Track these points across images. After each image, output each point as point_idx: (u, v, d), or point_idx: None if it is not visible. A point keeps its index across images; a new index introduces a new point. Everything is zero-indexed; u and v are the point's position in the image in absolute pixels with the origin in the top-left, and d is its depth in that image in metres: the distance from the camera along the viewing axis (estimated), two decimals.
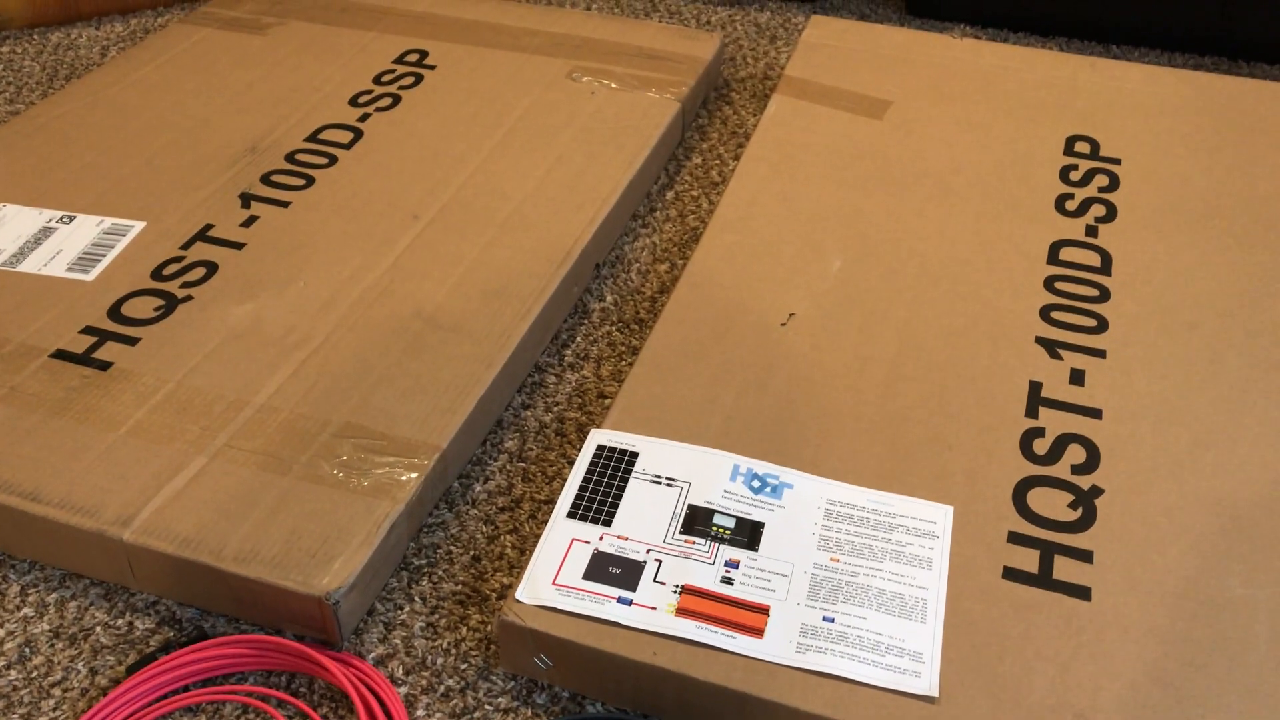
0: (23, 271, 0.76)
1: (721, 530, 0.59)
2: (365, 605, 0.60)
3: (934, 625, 0.55)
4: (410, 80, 0.97)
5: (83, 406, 0.66)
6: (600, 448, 0.64)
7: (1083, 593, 0.56)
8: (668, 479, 0.62)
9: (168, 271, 0.76)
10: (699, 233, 0.87)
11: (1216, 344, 0.71)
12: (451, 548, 0.64)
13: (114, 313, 0.73)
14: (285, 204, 0.83)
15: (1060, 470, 0.63)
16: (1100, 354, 0.70)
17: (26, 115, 0.92)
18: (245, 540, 0.59)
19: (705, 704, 0.54)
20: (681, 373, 0.69)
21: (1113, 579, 0.57)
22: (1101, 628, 0.55)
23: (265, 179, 0.85)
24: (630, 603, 0.56)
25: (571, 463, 0.69)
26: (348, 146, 0.89)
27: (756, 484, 0.62)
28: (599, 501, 0.61)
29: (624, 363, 0.76)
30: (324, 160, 0.87)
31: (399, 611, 0.61)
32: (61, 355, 0.70)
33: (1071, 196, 0.84)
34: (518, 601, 0.56)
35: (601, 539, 0.59)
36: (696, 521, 0.60)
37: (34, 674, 0.58)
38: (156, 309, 0.73)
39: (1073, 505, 0.61)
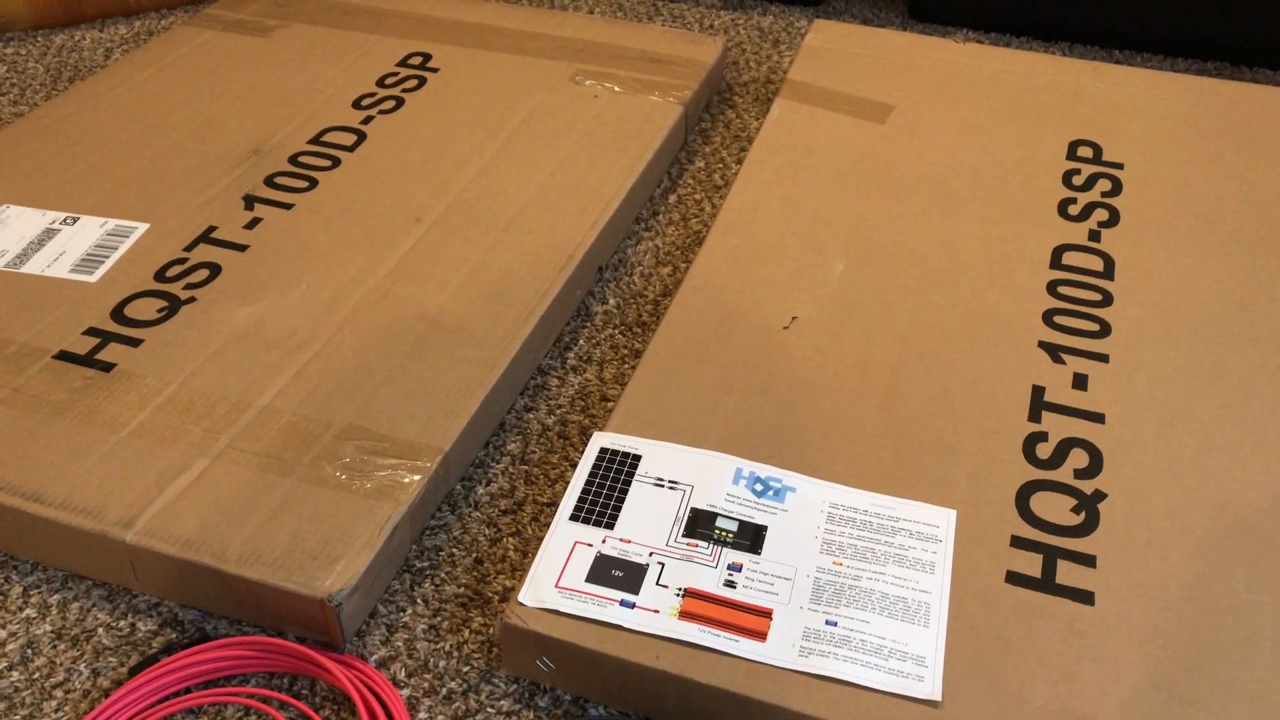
0: (26, 273, 0.76)
1: (724, 533, 0.59)
2: (367, 607, 0.60)
3: (937, 629, 0.55)
4: (413, 83, 0.97)
5: (85, 408, 0.66)
6: (603, 450, 0.64)
7: (1086, 597, 0.56)
8: (670, 482, 0.62)
9: (171, 273, 0.76)
10: (702, 236, 0.87)
11: (1219, 348, 0.71)
12: (454, 550, 0.64)
13: (117, 314, 0.73)
14: (288, 206, 0.83)
15: (1063, 474, 0.63)
16: (1103, 358, 0.70)
17: (30, 117, 0.92)
18: (248, 542, 0.59)
19: (708, 707, 0.54)
20: (684, 376, 0.69)
21: (1116, 583, 0.57)
22: (1105, 632, 0.55)
23: (268, 181, 0.85)
24: (633, 606, 0.55)
25: (574, 465, 0.69)
26: (351, 149, 0.89)
27: (759, 487, 0.62)
28: (602, 504, 0.61)
29: (626, 365, 0.76)
30: (327, 162, 0.87)
31: (401, 614, 0.61)
32: (64, 356, 0.70)
33: (1074, 201, 0.84)
34: (520, 604, 0.56)
35: (604, 542, 0.59)
36: (699, 525, 0.60)
37: (36, 675, 0.58)
38: (159, 310, 0.73)
39: (1076, 509, 0.61)
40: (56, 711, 0.56)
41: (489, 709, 0.57)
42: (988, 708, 0.52)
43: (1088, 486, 0.62)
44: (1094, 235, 0.80)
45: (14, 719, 0.56)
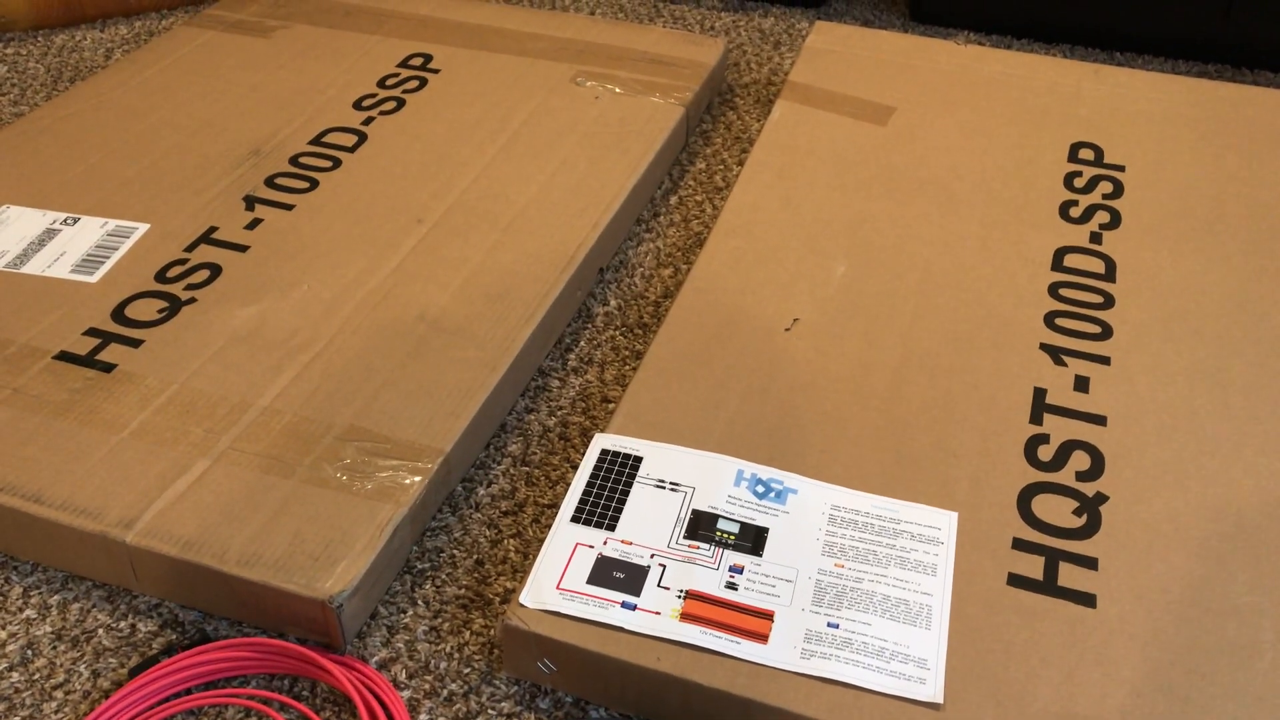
0: (26, 273, 0.76)
1: (726, 535, 0.59)
2: (368, 609, 0.60)
3: (939, 631, 0.55)
4: (414, 84, 0.97)
5: (86, 408, 0.66)
6: (604, 452, 0.64)
7: (1088, 599, 0.56)
8: (672, 484, 0.62)
9: (171, 274, 0.76)
10: (703, 237, 0.87)
11: (1221, 350, 0.71)
12: (455, 551, 0.64)
13: (118, 315, 0.73)
14: (289, 207, 0.83)
15: (1065, 477, 0.63)
16: (1105, 360, 0.70)
17: (31, 117, 0.92)
18: (248, 543, 0.59)
19: (709, 709, 0.54)
20: (685, 377, 0.69)
21: (1118, 586, 0.57)
22: (1106, 635, 0.55)
23: (269, 182, 0.85)
24: (634, 607, 0.55)
25: (575, 467, 0.69)
26: (352, 150, 0.89)
27: (761, 489, 0.62)
28: (603, 506, 0.61)
29: (628, 367, 0.76)
30: (328, 163, 0.87)
31: (402, 615, 0.61)
32: (65, 357, 0.70)
33: (1076, 203, 0.84)
34: (521, 606, 0.56)
35: (605, 543, 0.59)
36: (700, 526, 0.59)
37: (36, 676, 0.58)
38: (160, 311, 0.73)
39: (1077, 512, 0.61)
40: (56, 713, 0.56)
41: (490, 711, 0.57)
42: (989, 710, 0.52)
43: (1089, 489, 0.62)
44: (1095, 237, 0.80)
45: None
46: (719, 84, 1.05)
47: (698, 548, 0.58)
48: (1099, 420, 0.66)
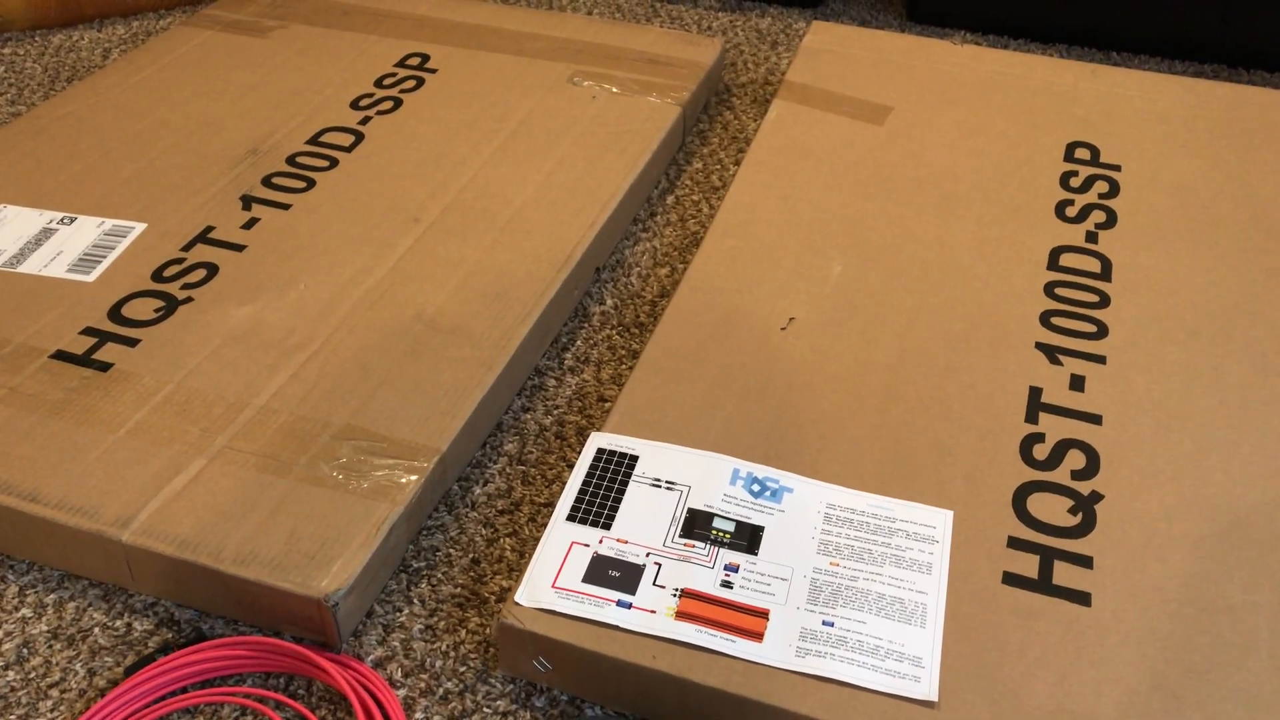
0: (23, 272, 0.76)
1: (721, 534, 0.59)
2: (364, 607, 0.60)
3: (934, 630, 0.55)
4: (411, 83, 0.97)
5: (82, 407, 0.66)
6: (600, 451, 0.64)
7: (1083, 598, 0.56)
8: (667, 482, 0.62)
9: (168, 273, 0.76)
10: (699, 237, 0.87)
11: (1216, 350, 0.71)
12: (451, 550, 0.64)
13: (114, 314, 0.73)
14: (286, 206, 0.83)
15: (1060, 475, 0.63)
16: (1100, 360, 0.70)
17: (28, 117, 0.92)
18: (244, 542, 0.59)
19: (704, 708, 0.54)
20: (682, 376, 0.69)
21: (1113, 584, 0.57)
22: (1102, 633, 0.55)
23: (266, 181, 0.85)
24: (630, 606, 0.55)
25: (571, 466, 0.69)
26: (349, 149, 0.89)
27: (756, 488, 0.62)
28: (599, 505, 0.61)
29: (624, 366, 0.76)
30: (325, 163, 0.87)
31: (398, 614, 0.61)
32: (61, 356, 0.70)
33: (1072, 203, 0.84)
34: (517, 604, 0.56)
35: (601, 542, 0.59)
36: (696, 525, 0.60)
37: (32, 675, 0.58)
38: (157, 310, 0.73)
39: (1073, 510, 0.61)
40: (52, 711, 0.56)
41: (485, 709, 0.57)
42: (984, 708, 0.52)
43: (1085, 488, 0.62)
44: (1091, 237, 0.80)
45: (10, 719, 0.56)
46: (716, 84, 1.05)
47: (693, 546, 0.58)
48: (1094, 419, 0.66)
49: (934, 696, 0.52)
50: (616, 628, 0.55)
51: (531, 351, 0.74)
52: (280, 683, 0.58)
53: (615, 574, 0.57)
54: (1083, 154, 0.89)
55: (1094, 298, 0.75)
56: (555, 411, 0.73)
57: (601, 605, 0.55)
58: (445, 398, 0.67)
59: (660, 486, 0.62)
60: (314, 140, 0.90)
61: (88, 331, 0.71)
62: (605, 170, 0.86)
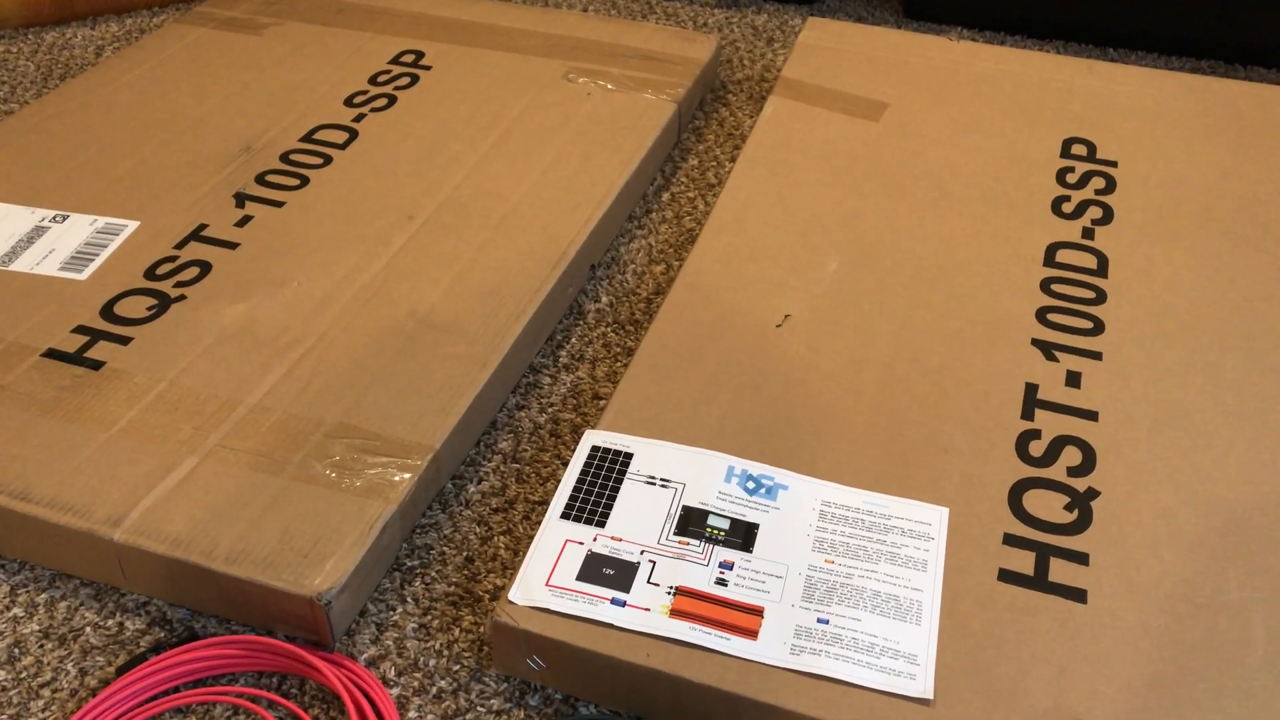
0: (15, 270, 0.76)
1: (716, 531, 0.59)
2: (357, 606, 0.60)
3: (929, 627, 0.55)
4: (406, 81, 0.97)
5: (74, 406, 0.66)
6: (594, 449, 0.63)
7: (1079, 595, 0.56)
8: (662, 480, 0.62)
9: (161, 271, 0.76)
10: (695, 234, 0.87)
11: (1213, 346, 0.71)
12: (444, 548, 0.64)
13: (106, 312, 0.72)
14: (280, 204, 0.82)
15: (1056, 472, 0.62)
16: (1096, 356, 0.70)
17: (21, 115, 0.92)
18: (237, 540, 0.58)
19: (699, 706, 0.53)
20: (677, 374, 0.68)
21: (1109, 581, 0.57)
22: (1097, 630, 0.55)
23: (260, 179, 0.85)
24: (624, 604, 0.55)
25: (566, 464, 0.69)
26: (343, 147, 0.89)
27: (751, 485, 0.61)
28: (593, 503, 0.60)
29: (619, 364, 0.76)
30: (319, 160, 0.87)
31: (391, 612, 0.61)
32: (53, 354, 0.69)
33: (1068, 199, 0.84)
34: (511, 603, 0.55)
35: (595, 540, 0.58)
36: (691, 523, 0.59)
37: (23, 674, 0.58)
38: (149, 308, 0.73)
39: (1068, 507, 0.61)
40: (44, 711, 0.56)
41: (479, 708, 0.56)
42: (980, 706, 0.51)
43: (1081, 484, 0.62)
44: (1087, 233, 0.80)
45: (1, 718, 0.56)
46: (711, 80, 1.04)
47: (688, 544, 0.58)
48: (1090, 416, 0.66)
49: (929, 694, 0.52)
50: (611, 626, 0.54)
51: (526, 349, 0.74)
52: (273, 682, 0.58)
53: (610, 572, 0.57)
54: (1079, 150, 0.89)
55: (1090, 294, 0.75)
56: (550, 409, 0.73)
57: (596, 603, 0.55)
58: (439, 395, 0.67)
59: (655, 484, 0.61)
60: (308, 138, 0.89)
61: (80, 330, 0.71)
62: (600, 167, 0.86)
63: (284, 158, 0.87)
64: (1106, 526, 0.60)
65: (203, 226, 0.80)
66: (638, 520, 0.59)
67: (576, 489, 0.61)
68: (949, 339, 0.71)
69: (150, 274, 0.76)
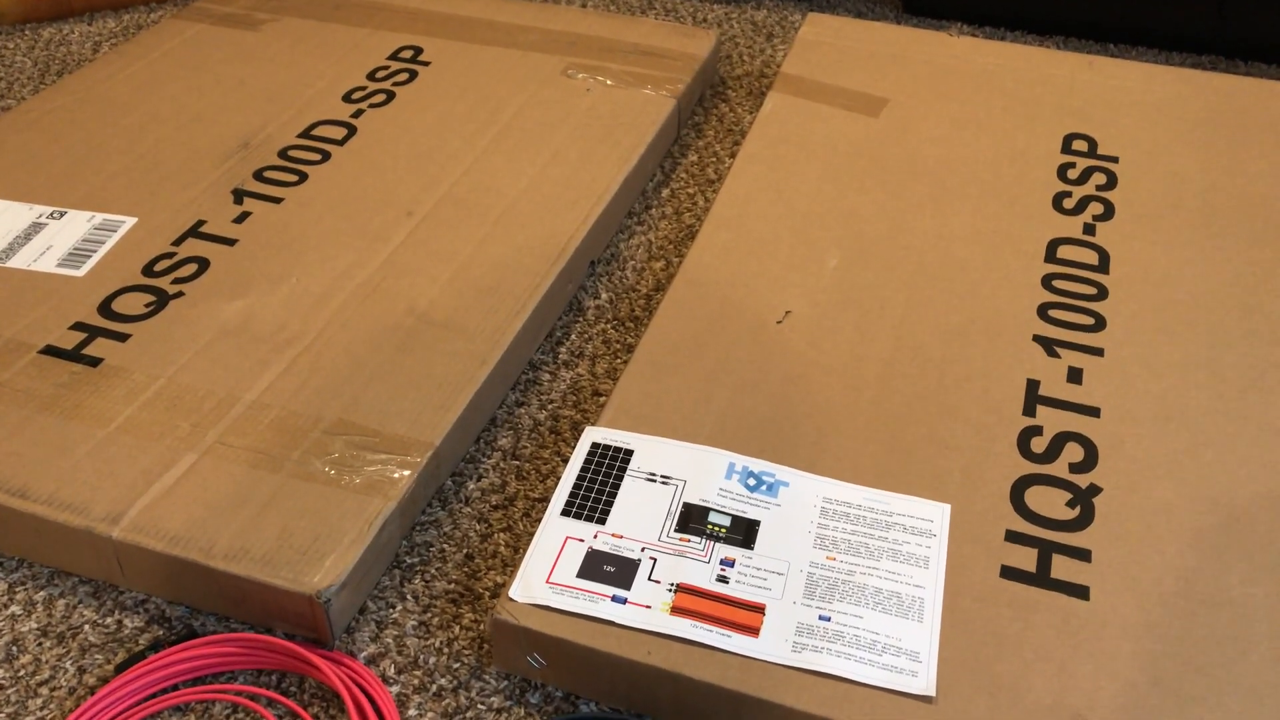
0: (12, 267, 0.76)
1: (717, 528, 0.59)
2: (357, 604, 0.60)
3: (931, 624, 0.54)
4: (404, 76, 0.96)
5: (72, 403, 0.65)
6: (595, 445, 0.63)
7: (1081, 592, 0.56)
8: (663, 477, 0.61)
9: (159, 267, 0.76)
10: (694, 230, 0.87)
11: (1214, 342, 0.71)
12: (444, 546, 0.64)
13: (104, 309, 0.72)
14: (278, 200, 0.82)
15: (1058, 469, 0.62)
16: (1098, 352, 0.70)
17: (18, 110, 0.92)
18: (236, 538, 0.58)
19: (700, 703, 0.53)
20: (677, 370, 0.68)
21: (1111, 578, 0.57)
22: (1100, 627, 0.54)
23: (258, 175, 0.84)
24: (625, 601, 0.55)
25: (566, 460, 0.69)
26: (341, 143, 0.88)
27: (752, 482, 0.61)
28: (593, 499, 0.60)
29: (619, 360, 0.76)
30: (317, 156, 0.87)
31: (391, 610, 0.60)
32: (51, 351, 0.69)
33: (1069, 194, 0.83)
34: (511, 600, 0.55)
35: (596, 537, 0.58)
36: (692, 520, 0.59)
37: (21, 673, 0.57)
38: (147, 305, 0.73)
39: (1071, 504, 0.60)
40: (42, 709, 0.56)
41: (479, 705, 0.56)
42: (981, 703, 0.51)
43: (1083, 480, 0.62)
44: (1089, 229, 0.80)
45: None
46: (711, 76, 1.04)
47: (689, 541, 0.58)
48: (1092, 412, 0.66)
49: (931, 691, 0.52)
50: (611, 623, 0.54)
51: (525, 345, 0.73)
52: (272, 680, 0.57)
53: (610, 569, 0.57)
54: (1080, 146, 0.89)
55: (1092, 290, 0.75)
56: (549, 406, 0.72)
57: (596, 600, 0.55)
58: (438, 392, 0.67)
59: (655, 481, 0.61)
60: (306, 134, 0.89)
61: (77, 326, 0.71)
62: (600, 163, 0.86)
63: (282, 154, 0.87)
64: (1108, 523, 0.59)
65: (201, 223, 0.80)
66: (638, 517, 0.59)
67: (577, 486, 0.61)
68: (950, 335, 0.71)
69: (148, 270, 0.75)
